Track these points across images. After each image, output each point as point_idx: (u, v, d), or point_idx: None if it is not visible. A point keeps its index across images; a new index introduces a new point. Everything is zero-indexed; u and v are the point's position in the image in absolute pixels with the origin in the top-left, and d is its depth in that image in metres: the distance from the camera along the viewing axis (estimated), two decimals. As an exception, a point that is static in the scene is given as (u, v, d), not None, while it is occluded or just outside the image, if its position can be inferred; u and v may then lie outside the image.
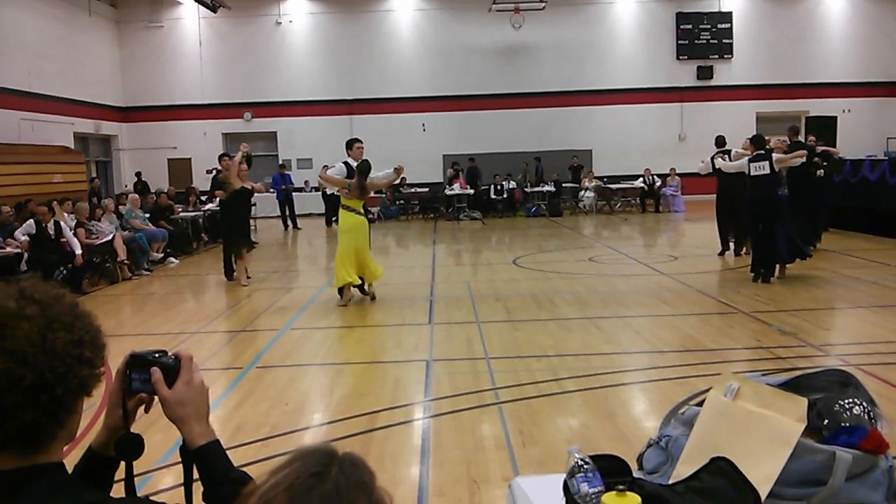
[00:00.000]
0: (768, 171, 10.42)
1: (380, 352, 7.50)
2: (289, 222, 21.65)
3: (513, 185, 24.35)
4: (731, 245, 13.29)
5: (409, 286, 11.26)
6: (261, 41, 26.60)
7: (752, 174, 10.64)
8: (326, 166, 23.18)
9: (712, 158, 13.27)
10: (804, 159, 10.83)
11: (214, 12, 24.27)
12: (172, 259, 14.91)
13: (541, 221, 22.11)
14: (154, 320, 9.61)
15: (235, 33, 26.37)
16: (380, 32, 26.76)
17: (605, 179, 24.59)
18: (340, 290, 9.81)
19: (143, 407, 1.65)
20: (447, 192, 23.85)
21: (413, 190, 24.64)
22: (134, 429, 1.57)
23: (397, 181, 11.09)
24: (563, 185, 24.56)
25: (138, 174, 24.21)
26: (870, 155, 17.85)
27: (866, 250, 13.28)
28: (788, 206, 10.63)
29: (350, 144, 10.10)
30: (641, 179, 23.97)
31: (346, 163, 9.92)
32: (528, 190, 24.37)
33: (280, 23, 26.64)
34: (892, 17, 27.04)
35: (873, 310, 8.71)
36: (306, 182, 24.95)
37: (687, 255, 13.71)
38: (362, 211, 9.78)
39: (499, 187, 24.09)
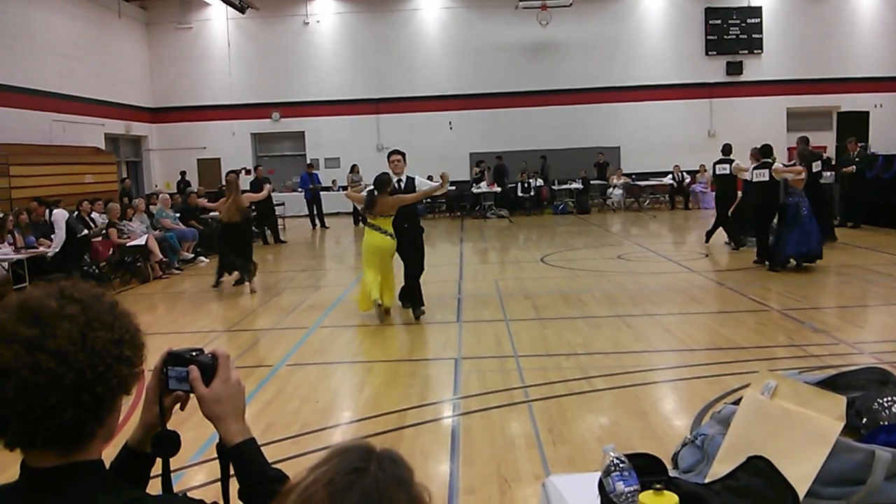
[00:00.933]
0: (768, 179, 11.46)
1: (409, 350, 7.52)
2: (317, 221, 21.74)
3: (540, 182, 24.26)
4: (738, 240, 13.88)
5: (436, 284, 11.23)
6: (288, 41, 26.74)
7: (753, 180, 11.70)
8: (354, 166, 23.41)
9: (714, 165, 14.28)
10: (802, 175, 11.39)
11: (242, 13, 24.43)
12: (202, 258, 15.05)
13: (568, 219, 22.02)
14: (185, 319, 9.71)
15: (263, 34, 26.54)
16: (406, 31, 26.80)
17: (633, 176, 24.44)
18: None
19: (178, 405, 1.66)
20: (474, 189, 23.82)
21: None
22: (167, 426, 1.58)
23: (442, 191, 9.46)
24: (592, 182, 24.42)
25: (183, 173, 24.60)
26: (903, 150, 17.54)
27: (901, 247, 13.08)
28: (795, 211, 10.99)
29: (389, 157, 9.22)
30: (670, 176, 23.79)
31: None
32: (555, 187, 24.30)
33: (307, 23, 26.77)
34: (926, 10, 26.60)
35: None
36: (334, 181, 25.07)
37: (717, 253, 13.58)
38: (389, 230, 8.63)
39: (526, 185, 24.02)
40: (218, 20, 26.48)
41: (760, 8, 26.40)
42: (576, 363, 6.67)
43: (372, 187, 8.71)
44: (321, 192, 22.34)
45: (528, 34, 26.11)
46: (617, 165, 25.26)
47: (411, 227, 8.93)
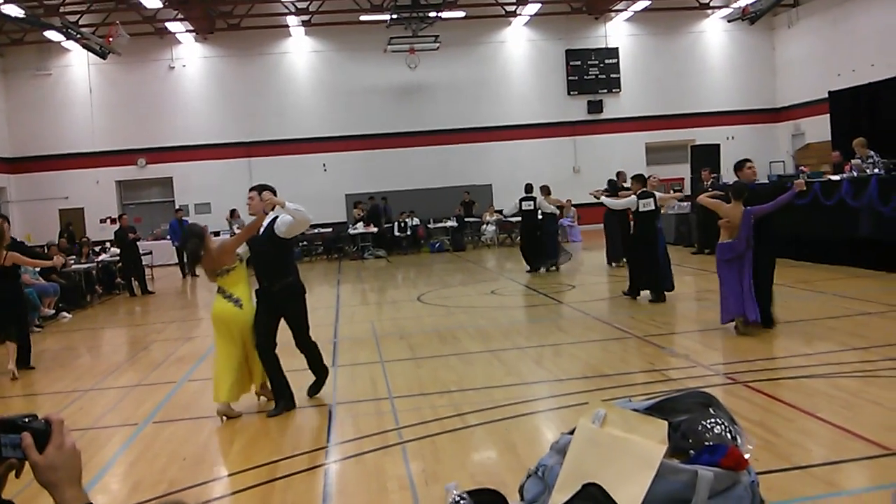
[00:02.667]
0: (653, 208, 11.48)
1: (282, 398, 7.39)
2: (187, 270, 21.10)
3: (416, 221, 24.53)
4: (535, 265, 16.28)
5: (311, 329, 11.15)
6: (154, 86, 26.17)
7: (640, 210, 11.57)
8: (234, 211, 22.92)
9: (520, 201, 16.79)
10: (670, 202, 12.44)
11: (104, 59, 23.74)
12: (65, 314, 14.35)
13: (445, 257, 22.32)
14: (46, 379, 9.22)
15: (126, 79, 25.88)
16: (276, 75, 26.71)
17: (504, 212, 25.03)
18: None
19: (13, 472, 1.63)
20: (350, 231, 23.82)
21: (316, 230, 24.54)
22: (25, 494, 1.55)
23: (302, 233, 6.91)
24: (466, 219, 24.88)
25: (68, 224, 23.50)
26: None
27: (753, 271, 13.87)
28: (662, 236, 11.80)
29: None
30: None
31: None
32: (431, 225, 24.64)
33: (173, 67, 26.30)
34: (768, 46, 28.69)
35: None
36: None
37: (584, 283, 14.08)
38: (236, 293, 6.63)
39: (402, 224, 24.22)
40: (79, 66, 25.68)
41: (617, 49, 27.83)
42: (449, 401, 6.76)
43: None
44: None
45: (397, 77, 26.54)
46: (489, 202, 25.82)
47: (280, 289, 6.71)
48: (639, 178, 11.96)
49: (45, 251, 16.45)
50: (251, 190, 6.89)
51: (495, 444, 5.59)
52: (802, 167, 19.41)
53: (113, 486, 5.30)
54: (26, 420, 1.59)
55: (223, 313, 6.60)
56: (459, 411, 6.37)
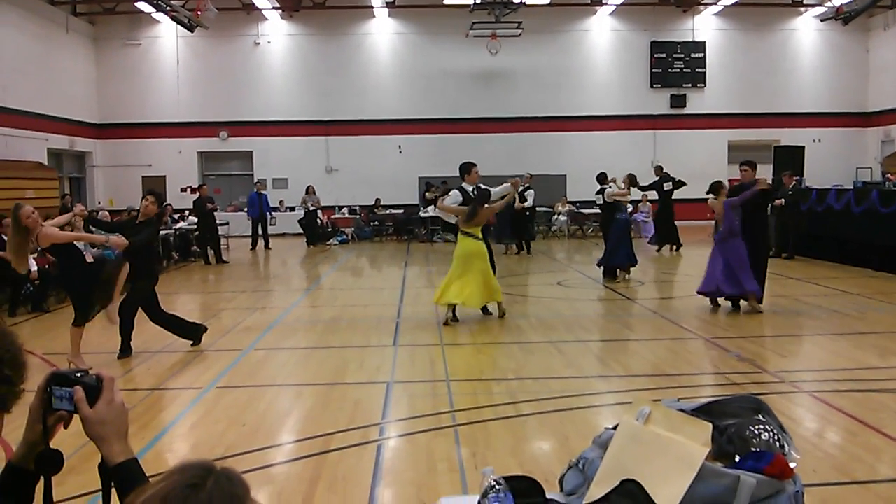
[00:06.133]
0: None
1: (341, 373, 7.52)
2: (259, 241, 21.41)
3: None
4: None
5: (376, 307, 11.32)
6: (238, 61, 26.68)
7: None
8: (310, 187, 23.35)
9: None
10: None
11: (192, 31, 24.30)
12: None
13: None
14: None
15: (213, 52, 26.43)
16: (358, 55, 26.93)
17: (577, 204, 24.78)
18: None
19: (62, 424, 1.69)
20: (421, 214, 23.93)
21: (388, 211, 24.77)
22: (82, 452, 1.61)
23: (516, 200, 10.60)
24: (537, 208, 24.70)
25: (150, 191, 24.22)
26: (836, 184, 18.14)
27: (830, 278, 13.47)
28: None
29: (468, 168, 10.32)
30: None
31: (461, 188, 10.18)
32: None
33: (258, 43, 26.75)
34: (861, 48, 27.61)
35: (831, 337, 8.87)
36: (281, 202, 24.97)
37: (654, 280, 13.85)
38: (480, 235, 9.75)
39: (473, 210, 24.19)
40: (167, 38, 26.33)
41: (704, 43, 27.16)
42: (506, 388, 6.77)
43: (450, 195, 10.26)
44: (268, 212, 22.13)
45: (478, 62, 26.46)
46: (562, 193, 25.60)
47: (485, 238, 9.99)
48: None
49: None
50: (476, 165, 10.53)
51: (547, 434, 5.58)
52: (889, 174, 18.71)
53: (172, 446, 5.47)
54: (79, 375, 1.65)
55: (469, 245, 9.64)
56: (515, 399, 6.37)
